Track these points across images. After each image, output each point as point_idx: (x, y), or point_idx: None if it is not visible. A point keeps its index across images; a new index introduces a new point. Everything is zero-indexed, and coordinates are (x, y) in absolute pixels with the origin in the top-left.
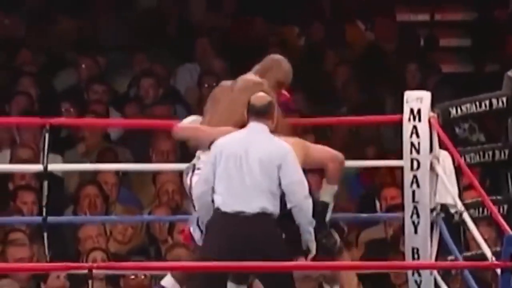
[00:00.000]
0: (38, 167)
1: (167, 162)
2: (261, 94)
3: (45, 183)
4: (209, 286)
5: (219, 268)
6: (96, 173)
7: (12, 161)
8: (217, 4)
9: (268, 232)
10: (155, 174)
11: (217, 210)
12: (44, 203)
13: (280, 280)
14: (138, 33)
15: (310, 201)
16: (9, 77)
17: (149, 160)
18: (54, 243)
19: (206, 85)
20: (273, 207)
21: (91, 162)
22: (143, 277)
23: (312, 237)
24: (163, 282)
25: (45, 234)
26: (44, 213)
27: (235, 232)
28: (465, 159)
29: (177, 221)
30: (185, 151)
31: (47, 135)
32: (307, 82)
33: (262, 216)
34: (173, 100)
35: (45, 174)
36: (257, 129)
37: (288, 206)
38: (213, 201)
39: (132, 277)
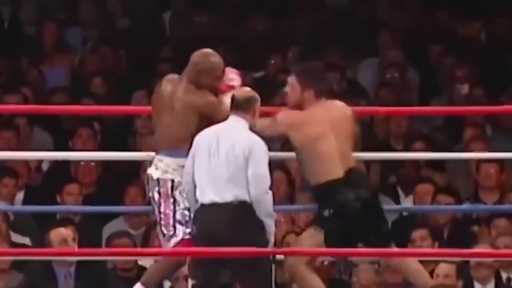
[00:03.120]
0: None
1: None
2: (246, 88)
3: None
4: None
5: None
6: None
7: None
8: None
9: (239, 221)
10: None
11: (197, 202)
12: None
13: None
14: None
15: (270, 196)
16: None
17: None
18: None
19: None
20: (247, 196)
21: None
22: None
23: (272, 230)
24: None
25: None
26: None
27: (211, 222)
28: None
29: None
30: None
31: None
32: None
33: (236, 205)
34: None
35: None
36: (233, 122)
37: (250, 197)
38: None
39: None
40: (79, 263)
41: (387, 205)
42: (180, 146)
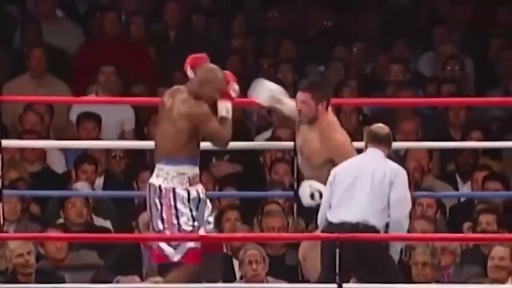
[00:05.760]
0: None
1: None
2: (381, 124)
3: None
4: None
5: None
6: None
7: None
8: None
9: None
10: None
11: (326, 222)
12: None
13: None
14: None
15: (408, 221)
16: None
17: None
18: (305, 214)
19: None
20: (377, 222)
21: None
22: None
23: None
24: None
25: (295, 206)
26: (295, 186)
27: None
28: None
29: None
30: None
31: None
32: None
33: (363, 226)
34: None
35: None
36: (374, 154)
37: (389, 219)
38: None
39: None
40: None
41: (446, 191)
42: (178, 154)
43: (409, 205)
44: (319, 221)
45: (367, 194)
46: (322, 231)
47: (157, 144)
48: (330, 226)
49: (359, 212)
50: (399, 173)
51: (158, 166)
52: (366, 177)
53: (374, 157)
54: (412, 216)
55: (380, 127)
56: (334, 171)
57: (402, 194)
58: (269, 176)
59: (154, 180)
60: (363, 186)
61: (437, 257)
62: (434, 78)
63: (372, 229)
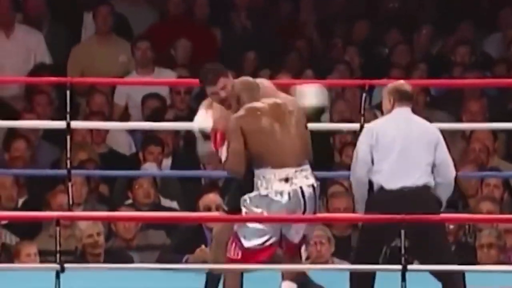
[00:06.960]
0: (355, 125)
1: (476, 122)
2: (402, 81)
3: None
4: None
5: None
6: None
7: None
8: None
9: (430, 203)
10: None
11: (380, 189)
12: None
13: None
14: None
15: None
16: None
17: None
18: None
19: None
20: (431, 183)
21: None
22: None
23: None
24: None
25: None
26: None
27: (401, 206)
28: None
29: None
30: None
31: (364, 95)
32: None
33: (425, 189)
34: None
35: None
36: (406, 112)
37: (438, 180)
38: (369, 181)
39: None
40: None
41: None
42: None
43: (453, 165)
44: (354, 182)
45: (421, 156)
46: (375, 197)
47: (298, 145)
48: (389, 193)
49: (418, 175)
50: (439, 133)
51: (304, 167)
52: (414, 139)
53: (409, 116)
54: (478, 197)
55: (405, 84)
56: (374, 132)
57: (447, 154)
58: (339, 158)
59: (312, 181)
60: (415, 149)
61: (503, 238)
62: (501, 59)
63: (430, 189)
